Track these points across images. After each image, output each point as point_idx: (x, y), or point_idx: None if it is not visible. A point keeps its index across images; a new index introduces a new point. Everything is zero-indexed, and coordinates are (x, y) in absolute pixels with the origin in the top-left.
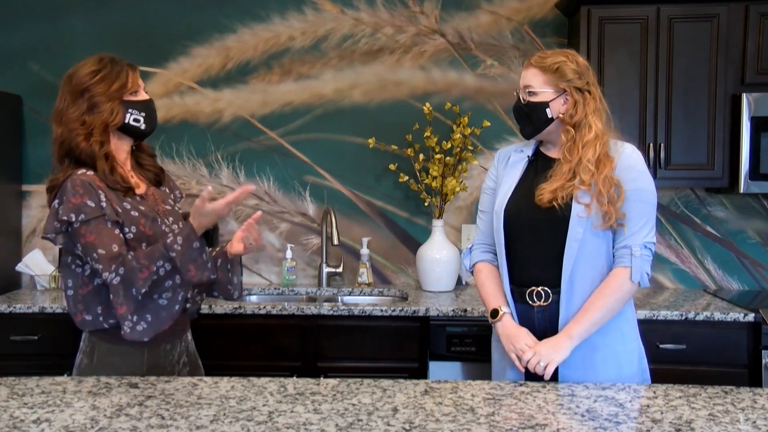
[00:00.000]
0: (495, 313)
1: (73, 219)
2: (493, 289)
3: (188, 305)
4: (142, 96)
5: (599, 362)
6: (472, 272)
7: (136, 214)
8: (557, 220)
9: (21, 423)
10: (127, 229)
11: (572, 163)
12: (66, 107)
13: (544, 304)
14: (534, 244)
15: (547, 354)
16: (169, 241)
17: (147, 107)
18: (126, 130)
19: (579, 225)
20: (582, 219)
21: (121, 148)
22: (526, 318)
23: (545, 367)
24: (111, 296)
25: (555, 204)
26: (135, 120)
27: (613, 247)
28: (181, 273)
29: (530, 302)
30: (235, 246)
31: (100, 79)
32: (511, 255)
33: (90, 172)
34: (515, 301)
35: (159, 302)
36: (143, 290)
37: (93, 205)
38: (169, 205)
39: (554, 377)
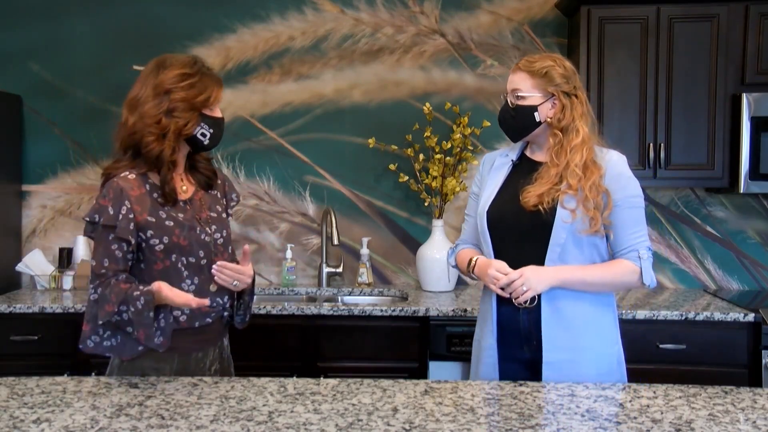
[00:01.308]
0: (470, 262)
1: (96, 220)
2: (469, 252)
3: (225, 314)
4: (217, 113)
5: (584, 364)
6: (456, 267)
7: (171, 224)
8: (541, 224)
9: (21, 423)
10: (157, 240)
11: (560, 168)
12: (145, 99)
13: (529, 306)
14: (518, 246)
15: (530, 280)
16: (135, 294)
17: (217, 125)
18: (190, 140)
19: (563, 230)
20: (566, 224)
21: (179, 154)
22: (511, 319)
23: (525, 292)
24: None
25: (540, 208)
26: (202, 134)
27: (613, 252)
28: (134, 327)
29: (516, 304)
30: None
31: (188, 86)
32: (496, 257)
33: (132, 176)
34: (501, 303)
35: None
36: (101, 321)
37: (112, 213)
38: (216, 211)
39: (538, 376)
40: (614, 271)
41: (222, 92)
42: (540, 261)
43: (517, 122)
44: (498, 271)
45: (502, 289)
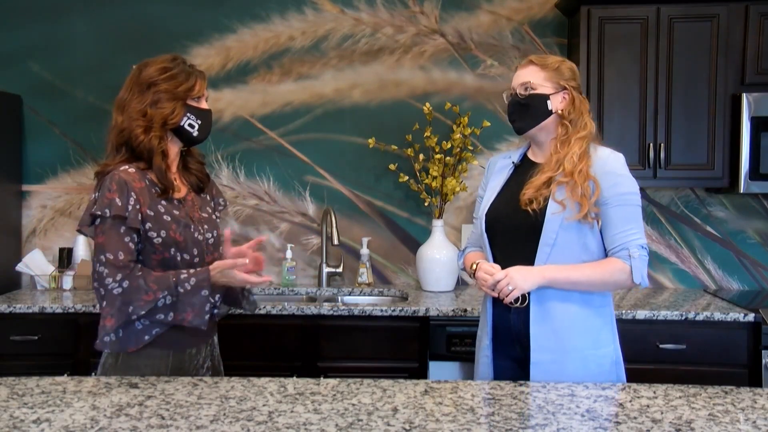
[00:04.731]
0: (472, 267)
1: (107, 213)
2: (474, 255)
3: (216, 311)
4: (203, 105)
5: (570, 365)
6: (465, 270)
7: (169, 218)
8: (532, 224)
9: (21, 423)
10: (155, 233)
11: (560, 155)
12: (130, 98)
13: (521, 306)
14: (512, 247)
15: (515, 280)
16: (182, 276)
17: (204, 116)
18: (179, 132)
19: (552, 230)
20: (556, 223)
21: (171, 149)
22: (503, 319)
23: (511, 291)
24: (103, 302)
25: (529, 208)
26: (190, 125)
27: (605, 251)
28: (176, 311)
29: (505, 303)
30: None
31: (169, 77)
32: (494, 258)
33: (132, 170)
34: (495, 304)
35: (135, 326)
36: (141, 312)
37: (120, 204)
38: (207, 213)
39: (526, 375)
40: (603, 270)
41: (205, 84)
42: (531, 261)
43: (530, 110)
44: (485, 272)
45: (493, 290)
